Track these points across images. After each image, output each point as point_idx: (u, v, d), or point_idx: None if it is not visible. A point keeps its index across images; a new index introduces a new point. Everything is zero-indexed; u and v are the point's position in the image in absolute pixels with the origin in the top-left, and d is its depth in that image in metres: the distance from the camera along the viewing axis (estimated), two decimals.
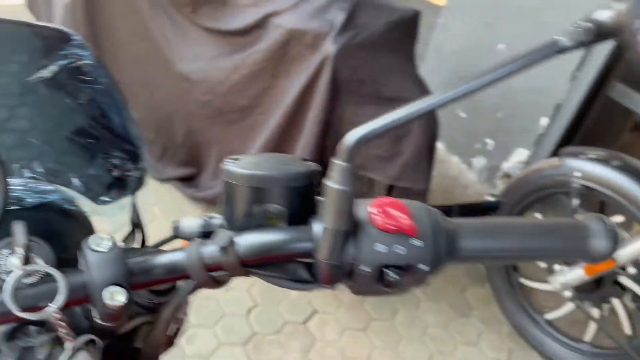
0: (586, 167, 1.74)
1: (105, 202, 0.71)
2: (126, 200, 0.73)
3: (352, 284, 0.49)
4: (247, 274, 0.49)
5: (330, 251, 0.46)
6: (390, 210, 0.47)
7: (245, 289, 2.06)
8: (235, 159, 0.50)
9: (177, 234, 0.52)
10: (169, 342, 0.56)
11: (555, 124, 2.46)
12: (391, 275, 0.46)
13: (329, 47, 1.66)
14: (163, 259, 0.49)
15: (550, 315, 2.05)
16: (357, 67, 1.71)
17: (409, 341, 2.02)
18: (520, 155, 2.64)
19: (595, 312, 1.90)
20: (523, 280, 2.11)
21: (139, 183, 0.68)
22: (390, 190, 2.05)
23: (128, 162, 0.67)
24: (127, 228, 0.67)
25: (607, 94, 2.39)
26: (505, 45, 2.51)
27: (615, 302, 1.84)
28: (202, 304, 1.97)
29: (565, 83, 2.36)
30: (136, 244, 0.65)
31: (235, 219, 0.50)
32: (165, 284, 0.53)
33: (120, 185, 0.69)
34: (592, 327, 1.94)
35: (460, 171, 2.96)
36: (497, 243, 0.49)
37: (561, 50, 0.42)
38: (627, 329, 1.82)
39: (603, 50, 2.24)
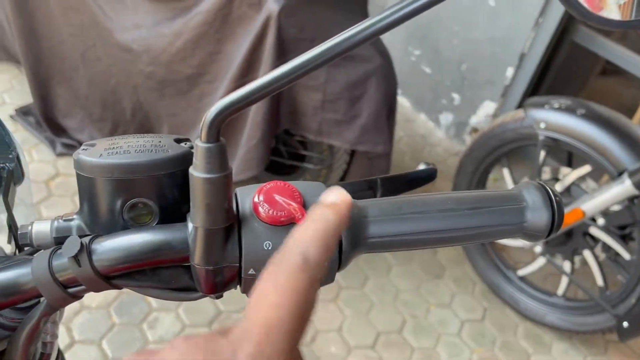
0: (551, 118, 1.66)
1: None
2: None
3: (243, 289, 0.40)
4: (111, 286, 0.39)
5: (204, 255, 0.37)
6: (277, 198, 0.38)
7: None
8: (90, 145, 0.40)
9: (27, 243, 0.42)
10: None
11: (521, 73, 2.38)
12: None
13: (272, 5, 1.54)
14: (3, 276, 0.39)
15: (522, 271, 2.01)
16: (304, 24, 1.59)
17: (380, 308, 1.97)
18: (487, 108, 2.56)
19: (566, 265, 1.86)
20: None
21: (14, 175, 0.58)
22: (352, 156, 1.96)
23: None
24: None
25: (572, 39, 2.30)
26: None
27: (587, 254, 1.80)
28: None
29: (529, 30, 2.26)
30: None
31: (96, 220, 0.41)
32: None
33: None
34: (564, 281, 1.90)
35: (428, 129, 2.88)
36: (413, 226, 0.40)
37: None
38: (598, 280, 1.79)
39: None
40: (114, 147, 0.39)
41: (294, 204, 0.37)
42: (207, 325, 1.80)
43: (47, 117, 2.27)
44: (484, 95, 2.54)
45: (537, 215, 0.42)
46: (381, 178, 0.54)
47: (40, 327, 0.41)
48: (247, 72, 1.69)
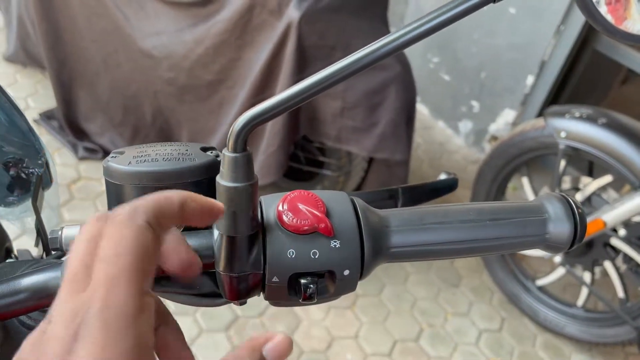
0: (572, 127, 1.65)
1: (10, 204, 0.62)
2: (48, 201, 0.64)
3: (266, 296, 0.41)
4: None
5: (229, 262, 0.38)
6: (301, 206, 0.38)
7: None
8: (119, 153, 0.42)
9: (57, 247, 0.43)
10: None
11: (541, 81, 2.36)
12: (305, 285, 0.38)
13: (292, 13, 1.55)
14: (31, 280, 0.40)
15: (541, 281, 1.99)
16: (325, 32, 1.60)
17: (397, 316, 1.96)
18: (507, 116, 2.54)
19: (586, 275, 1.84)
20: None
21: (43, 180, 0.59)
22: (370, 163, 1.96)
23: (24, 157, 0.58)
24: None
25: (594, 47, 2.28)
26: None
27: (607, 265, 1.77)
28: None
29: (549, 38, 2.25)
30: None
31: None
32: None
33: (22, 184, 0.60)
34: (584, 291, 1.88)
35: (446, 136, 2.87)
36: (434, 236, 0.40)
37: None
38: (619, 291, 1.76)
39: None
40: (142, 155, 0.41)
41: (317, 213, 0.38)
42: (224, 331, 1.81)
43: (69, 121, 2.30)
44: (504, 103, 2.53)
45: (559, 227, 0.42)
46: (402, 187, 0.55)
47: None
48: (268, 79, 1.71)
